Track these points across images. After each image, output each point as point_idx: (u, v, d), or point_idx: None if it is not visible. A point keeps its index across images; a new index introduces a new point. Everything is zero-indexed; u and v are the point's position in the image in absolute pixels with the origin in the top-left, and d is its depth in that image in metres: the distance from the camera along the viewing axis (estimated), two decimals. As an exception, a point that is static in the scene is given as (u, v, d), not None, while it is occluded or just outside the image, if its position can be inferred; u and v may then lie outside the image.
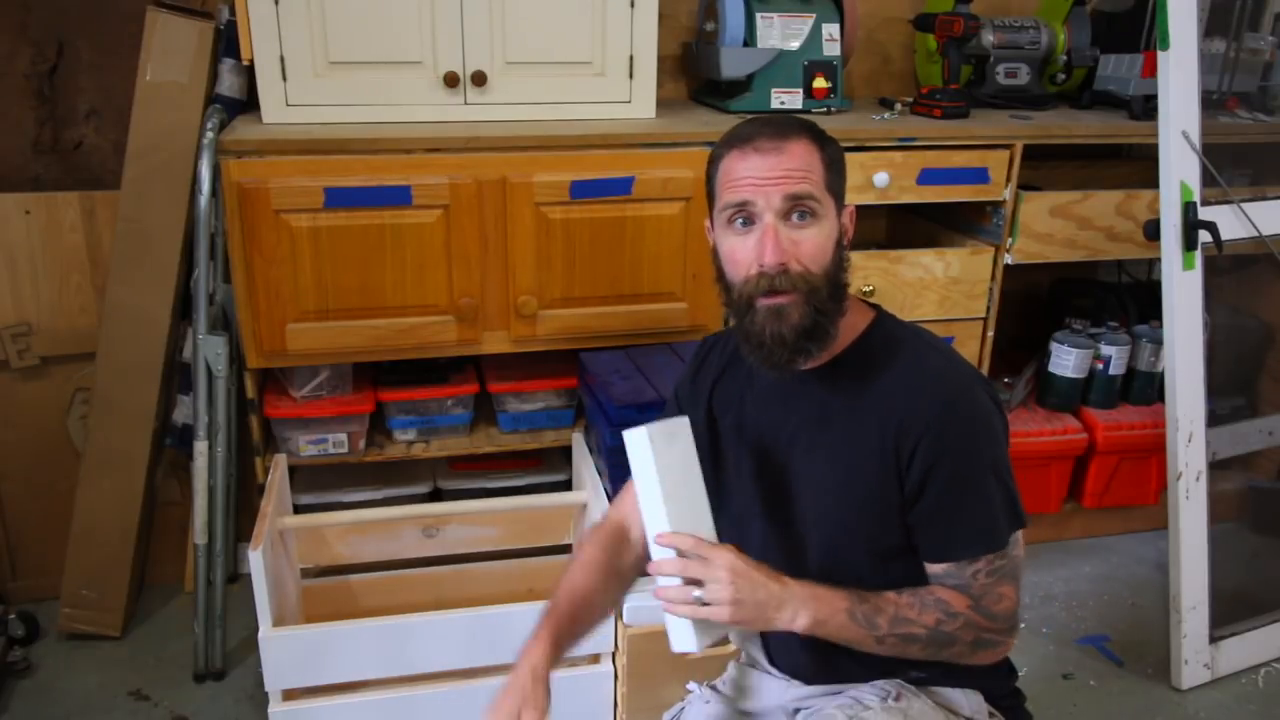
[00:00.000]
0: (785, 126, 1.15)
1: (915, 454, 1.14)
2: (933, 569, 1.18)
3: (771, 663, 1.37)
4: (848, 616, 1.12)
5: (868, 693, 1.24)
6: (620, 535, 1.34)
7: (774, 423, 1.26)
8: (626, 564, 1.34)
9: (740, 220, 1.14)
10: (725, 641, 1.73)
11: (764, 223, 1.12)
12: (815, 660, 1.29)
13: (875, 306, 1.26)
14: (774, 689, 1.35)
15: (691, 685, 1.42)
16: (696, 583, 1.10)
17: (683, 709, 1.40)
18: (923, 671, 1.23)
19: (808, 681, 1.32)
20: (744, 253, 1.14)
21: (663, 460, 1.13)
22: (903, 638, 1.13)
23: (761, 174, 1.12)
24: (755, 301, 1.13)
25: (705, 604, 1.09)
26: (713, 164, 1.19)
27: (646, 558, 1.17)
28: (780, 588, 1.11)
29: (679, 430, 1.17)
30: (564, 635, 1.22)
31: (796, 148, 1.13)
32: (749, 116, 1.23)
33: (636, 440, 1.13)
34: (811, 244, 1.13)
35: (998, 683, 1.31)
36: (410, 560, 2.08)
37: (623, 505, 1.36)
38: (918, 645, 1.14)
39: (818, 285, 1.12)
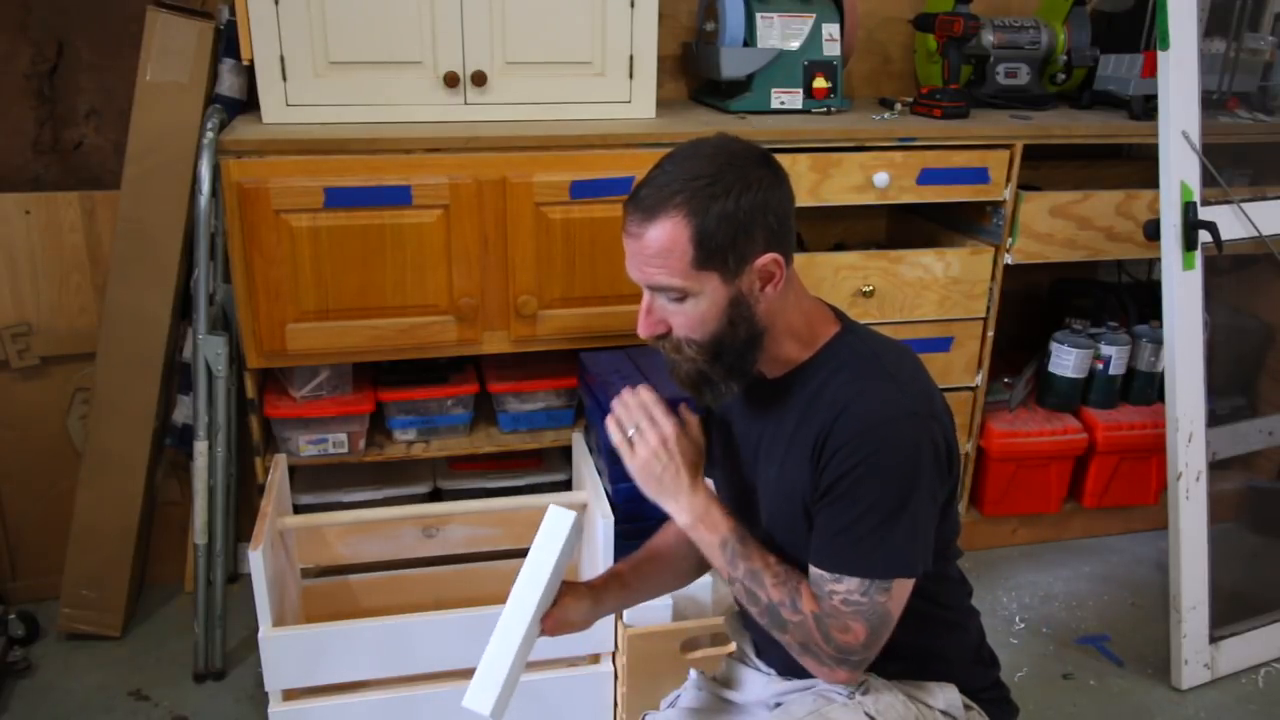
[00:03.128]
0: (654, 205, 1.10)
1: (826, 468, 1.13)
2: (810, 569, 1.17)
3: (759, 655, 1.41)
4: (719, 544, 1.19)
5: (836, 686, 1.25)
6: None
7: (745, 428, 1.30)
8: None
9: None
10: (725, 640, 1.74)
11: (645, 295, 1.16)
12: (784, 656, 1.32)
13: (842, 320, 1.24)
14: (758, 683, 1.38)
15: (692, 672, 1.46)
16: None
17: (679, 695, 1.45)
18: (898, 664, 1.24)
19: (784, 675, 1.35)
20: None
21: (567, 548, 1.24)
22: (748, 592, 1.18)
23: (631, 256, 1.14)
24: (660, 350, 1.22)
25: (631, 446, 1.22)
26: None
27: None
28: (688, 483, 1.22)
29: (578, 527, 1.28)
30: (625, 571, 1.41)
31: (657, 233, 1.09)
32: (655, 166, 1.16)
33: (559, 522, 1.24)
34: (684, 318, 1.14)
35: (976, 675, 1.32)
36: (410, 560, 2.08)
37: None
38: (757, 609, 1.18)
39: (694, 354, 1.17)
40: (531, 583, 1.23)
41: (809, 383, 1.20)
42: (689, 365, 1.18)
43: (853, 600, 1.12)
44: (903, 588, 1.14)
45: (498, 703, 1.19)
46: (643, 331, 1.17)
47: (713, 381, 1.19)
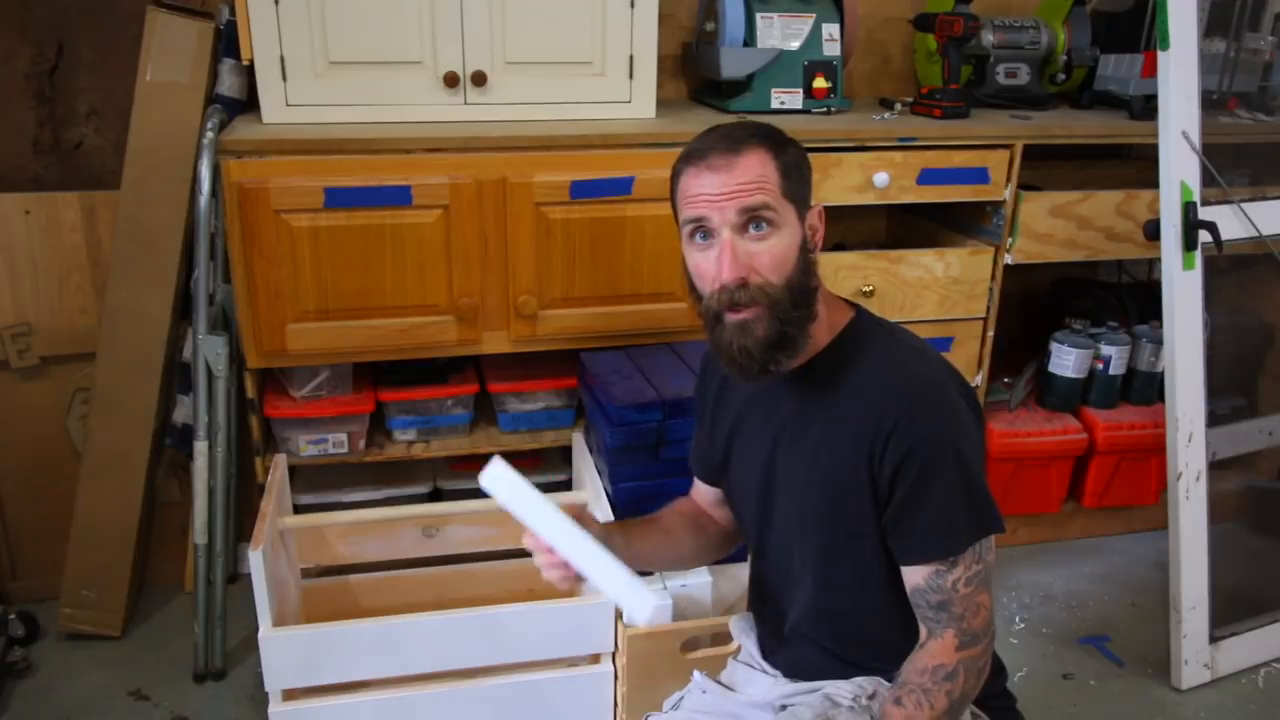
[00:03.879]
0: (738, 139, 1.14)
1: (886, 449, 1.14)
2: (914, 580, 1.16)
3: (765, 657, 1.41)
4: None
5: (843, 690, 1.26)
6: (699, 511, 1.47)
7: (761, 424, 1.29)
8: (708, 531, 1.46)
9: (700, 235, 1.16)
10: (725, 640, 1.74)
11: (721, 238, 1.13)
12: (792, 659, 1.34)
13: (855, 305, 1.26)
14: (763, 684, 1.38)
15: (696, 674, 1.46)
16: None
17: (683, 697, 1.45)
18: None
19: (790, 677, 1.35)
20: (707, 267, 1.16)
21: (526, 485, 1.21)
22: None
23: (715, 190, 1.13)
24: (722, 316, 1.15)
25: None
26: (673, 180, 1.20)
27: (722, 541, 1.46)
28: None
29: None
30: (631, 526, 1.39)
31: (750, 159, 1.13)
32: (710, 128, 1.21)
33: (502, 473, 1.22)
34: (770, 255, 1.13)
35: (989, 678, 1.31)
36: (410, 560, 2.08)
37: (696, 495, 1.49)
38: None
39: (779, 297, 1.13)
40: (551, 518, 1.21)
41: (837, 366, 1.20)
42: (765, 323, 1.14)
43: (972, 573, 1.14)
44: (993, 540, 1.17)
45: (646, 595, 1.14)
46: (729, 274, 1.12)
47: (788, 335, 1.15)
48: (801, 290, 1.15)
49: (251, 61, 1.91)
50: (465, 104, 2.00)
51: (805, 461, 1.22)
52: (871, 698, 1.23)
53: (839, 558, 1.22)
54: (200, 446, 2.02)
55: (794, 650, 1.34)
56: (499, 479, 1.21)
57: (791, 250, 1.14)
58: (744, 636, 1.46)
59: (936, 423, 1.13)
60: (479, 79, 1.99)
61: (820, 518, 1.22)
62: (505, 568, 2.11)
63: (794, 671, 1.35)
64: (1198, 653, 2.12)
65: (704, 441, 1.41)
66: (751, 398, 1.30)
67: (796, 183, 1.16)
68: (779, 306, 1.13)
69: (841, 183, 2.10)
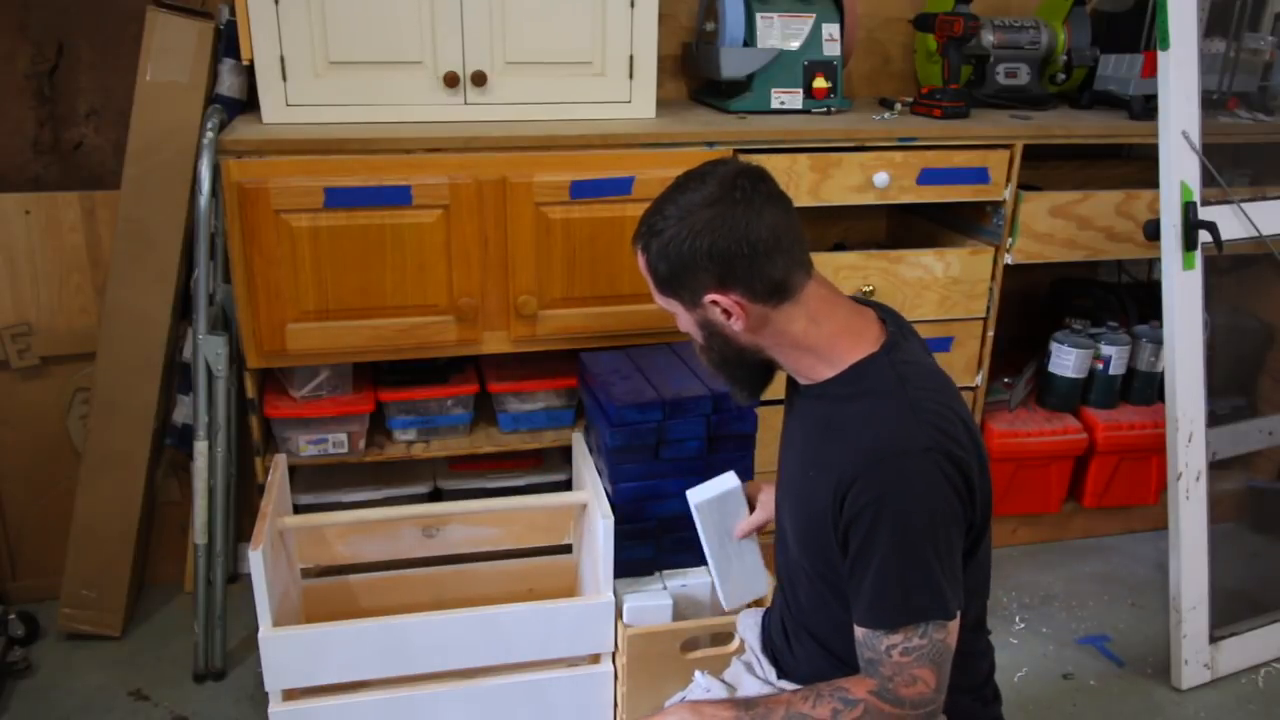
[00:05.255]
0: (633, 235, 1.24)
1: (846, 500, 1.11)
2: (856, 631, 1.14)
3: (763, 652, 1.41)
4: None
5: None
6: None
7: (787, 432, 1.32)
8: None
9: None
10: (729, 639, 1.75)
11: None
12: (786, 654, 1.35)
13: (887, 339, 1.20)
14: (754, 688, 1.38)
15: (698, 674, 1.46)
16: None
17: (684, 697, 1.44)
18: None
19: (780, 679, 1.36)
20: None
21: (720, 508, 1.50)
22: None
23: None
24: None
25: None
26: None
27: None
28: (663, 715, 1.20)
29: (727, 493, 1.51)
30: None
31: (638, 258, 1.24)
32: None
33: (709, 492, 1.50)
34: (682, 327, 1.28)
35: (974, 712, 1.28)
36: (410, 560, 2.08)
37: None
38: None
39: (703, 359, 1.30)
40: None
41: (829, 403, 1.19)
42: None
43: (913, 647, 1.09)
44: (955, 621, 1.11)
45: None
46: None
47: (725, 381, 1.31)
48: (714, 357, 1.26)
49: (251, 61, 1.91)
50: (465, 104, 2.00)
51: (799, 472, 1.23)
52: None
53: (808, 568, 1.23)
54: (200, 446, 2.02)
55: (784, 643, 1.36)
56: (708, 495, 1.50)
57: (690, 329, 1.26)
58: (748, 633, 1.47)
59: (891, 493, 1.08)
60: (479, 79, 1.99)
61: (796, 529, 1.24)
62: (505, 568, 2.11)
63: (783, 674, 1.36)
64: (1198, 653, 2.12)
65: None
66: (792, 393, 1.31)
67: (666, 279, 1.20)
68: (708, 365, 1.29)
69: (841, 183, 2.10)
